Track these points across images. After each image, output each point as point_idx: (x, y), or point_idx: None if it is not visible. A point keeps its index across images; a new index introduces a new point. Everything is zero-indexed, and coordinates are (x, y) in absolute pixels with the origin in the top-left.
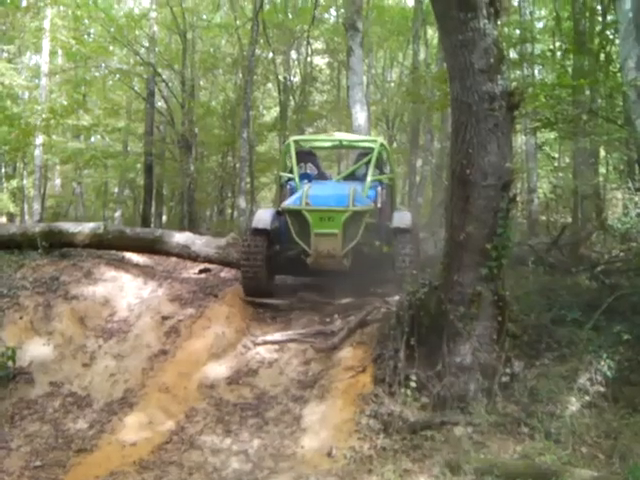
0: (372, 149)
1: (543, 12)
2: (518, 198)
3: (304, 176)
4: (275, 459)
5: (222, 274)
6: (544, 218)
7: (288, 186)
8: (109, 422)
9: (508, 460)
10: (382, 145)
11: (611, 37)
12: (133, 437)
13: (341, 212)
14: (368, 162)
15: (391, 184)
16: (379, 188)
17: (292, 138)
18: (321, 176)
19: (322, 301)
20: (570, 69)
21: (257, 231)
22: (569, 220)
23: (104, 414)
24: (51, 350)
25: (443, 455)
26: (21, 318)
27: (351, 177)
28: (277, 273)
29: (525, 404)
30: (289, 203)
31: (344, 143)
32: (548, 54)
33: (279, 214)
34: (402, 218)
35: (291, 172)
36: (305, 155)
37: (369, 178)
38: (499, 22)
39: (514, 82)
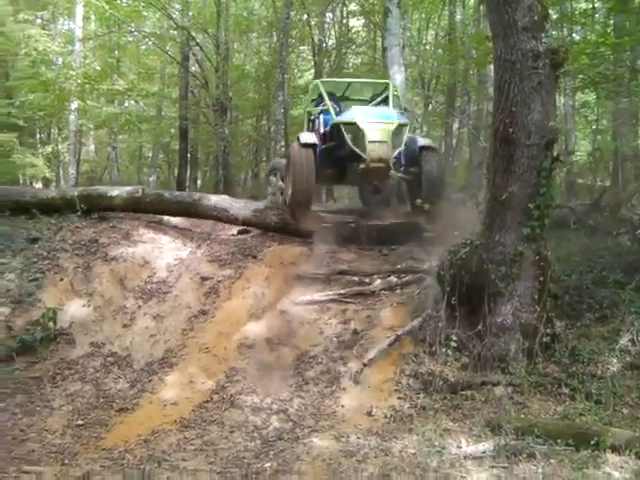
0: (385, 86)
1: None
2: (561, 157)
3: (328, 112)
4: (315, 418)
5: (260, 236)
6: (581, 181)
7: (321, 118)
8: (150, 382)
9: (549, 420)
10: (392, 86)
11: None
12: (174, 396)
13: (390, 124)
14: (385, 98)
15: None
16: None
17: (318, 80)
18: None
19: (362, 272)
20: (610, 29)
21: (306, 145)
22: (607, 183)
23: (145, 374)
24: (91, 311)
25: (483, 415)
26: (61, 280)
27: None
28: (323, 183)
29: (566, 365)
30: (344, 118)
31: (359, 83)
32: (589, 13)
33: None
34: (426, 139)
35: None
36: (328, 95)
37: (391, 104)
38: None
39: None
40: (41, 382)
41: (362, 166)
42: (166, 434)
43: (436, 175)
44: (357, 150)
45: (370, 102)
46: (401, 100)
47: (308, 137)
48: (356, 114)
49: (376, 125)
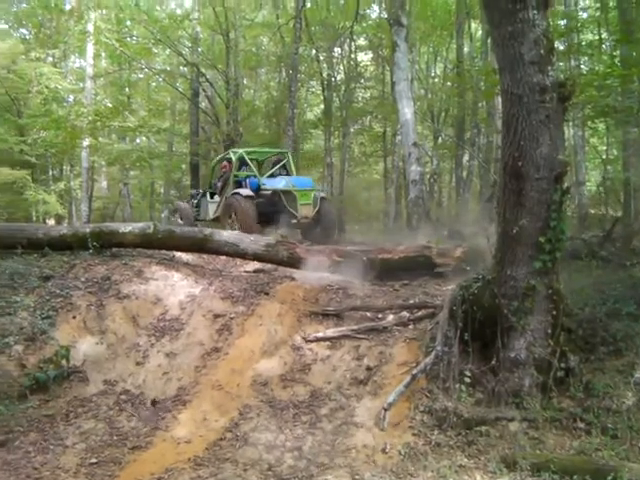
0: (285, 155)
1: (587, 1)
2: (571, 190)
3: (251, 177)
4: (329, 455)
5: (273, 272)
6: (592, 211)
7: (247, 181)
8: (163, 419)
9: (564, 456)
10: (290, 154)
11: None
12: (187, 434)
13: (312, 190)
14: (282, 166)
15: None
16: None
17: (242, 150)
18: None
19: (374, 307)
20: (617, 60)
21: (248, 197)
22: (619, 213)
23: (158, 412)
24: (104, 349)
25: (498, 451)
26: (74, 317)
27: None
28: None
29: (581, 399)
30: (280, 186)
31: (266, 153)
32: (595, 44)
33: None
34: (323, 192)
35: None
36: (244, 162)
37: (294, 175)
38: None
39: (563, 73)
40: (54, 420)
41: (294, 221)
42: (180, 472)
43: (331, 218)
44: (291, 210)
45: (273, 165)
46: (295, 164)
47: (247, 192)
48: (290, 184)
49: (304, 191)
